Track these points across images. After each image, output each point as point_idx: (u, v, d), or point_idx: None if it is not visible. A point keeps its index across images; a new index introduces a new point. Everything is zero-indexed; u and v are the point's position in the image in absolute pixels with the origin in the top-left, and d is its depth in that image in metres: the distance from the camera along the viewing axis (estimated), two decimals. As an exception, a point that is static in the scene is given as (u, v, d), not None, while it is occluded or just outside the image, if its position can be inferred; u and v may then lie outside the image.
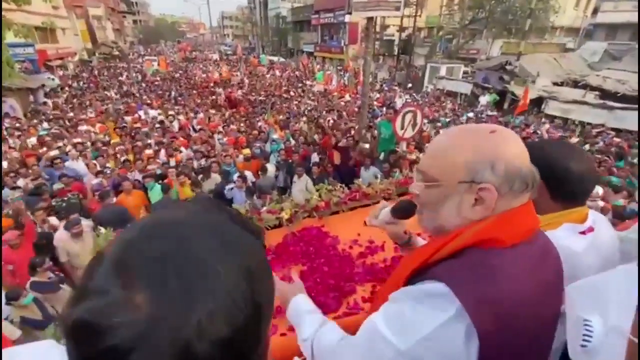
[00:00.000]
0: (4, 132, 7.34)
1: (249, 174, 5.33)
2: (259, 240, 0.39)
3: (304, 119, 9.82)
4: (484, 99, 14.60)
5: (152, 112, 10.13)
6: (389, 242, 1.67)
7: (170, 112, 10.07)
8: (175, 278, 0.28)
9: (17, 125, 8.50)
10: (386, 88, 17.83)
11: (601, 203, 4.05)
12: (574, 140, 8.95)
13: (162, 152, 6.46)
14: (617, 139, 8.83)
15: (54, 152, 6.10)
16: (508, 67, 15.00)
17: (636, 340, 0.47)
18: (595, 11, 23.47)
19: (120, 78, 18.19)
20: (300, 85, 16.99)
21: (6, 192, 4.44)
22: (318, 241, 1.89)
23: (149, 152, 6.39)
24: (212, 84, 15.90)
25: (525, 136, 8.56)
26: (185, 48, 34.35)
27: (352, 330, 0.74)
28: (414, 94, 16.73)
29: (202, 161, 6.14)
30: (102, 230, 1.90)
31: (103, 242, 1.84)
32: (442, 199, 0.64)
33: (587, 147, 7.94)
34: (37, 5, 15.78)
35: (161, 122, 9.03)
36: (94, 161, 5.73)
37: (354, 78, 15.39)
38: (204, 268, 0.30)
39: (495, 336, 0.53)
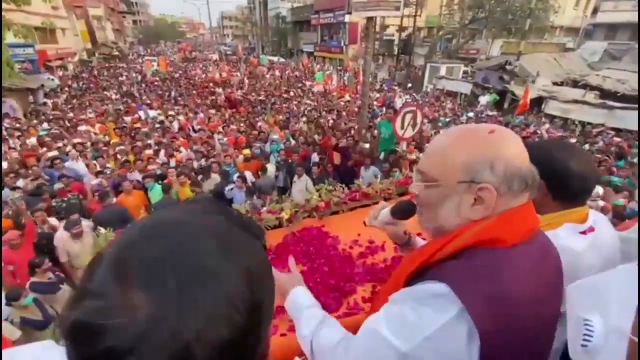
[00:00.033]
0: (4, 133, 7.33)
1: (248, 174, 5.33)
2: (259, 240, 0.39)
3: (304, 119, 9.82)
4: (484, 99, 14.60)
5: (152, 113, 10.12)
6: (389, 242, 1.67)
7: (170, 113, 10.07)
8: (174, 279, 0.28)
9: (17, 125, 8.49)
10: (386, 88, 17.84)
11: (601, 203, 4.05)
12: (574, 140, 8.95)
13: (162, 152, 6.46)
14: (617, 139, 8.84)
15: (53, 153, 6.10)
16: (508, 67, 15.01)
17: (637, 340, 0.47)
18: (595, 11, 23.51)
19: (120, 78, 18.20)
20: (300, 85, 16.99)
21: (6, 192, 4.44)
22: (318, 241, 1.88)
23: (148, 152, 6.39)
24: (212, 84, 15.90)
25: (525, 136, 8.57)
26: (185, 48, 34.37)
27: (352, 330, 0.74)
28: (414, 94, 16.74)
29: (202, 161, 6.14)
30: (102, 230, 1.90)
31: (103, 242, 1.84)
32: (442, 199, 0.64)
33: (587, 146, 7.95)
34: (36, 5, 15.78)
35: (161, 122, 9.03)
36: (94, 161, 5.73)
37: (354, 78, 15.42)
38: (202, 269, 0.30)
39: (497, 336, 0.53)
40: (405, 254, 1.01)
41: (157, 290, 0.28)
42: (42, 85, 13.33)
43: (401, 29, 21.24)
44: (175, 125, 9.07)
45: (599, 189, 4.24)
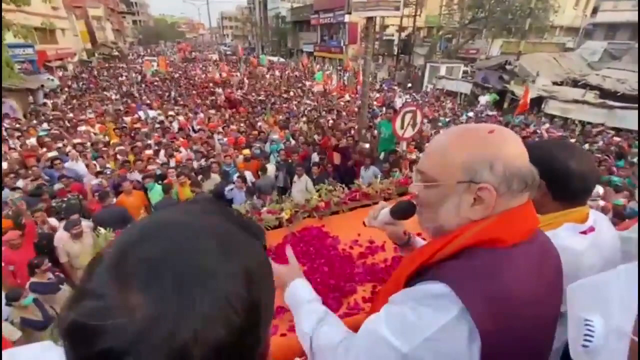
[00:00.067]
0: (4, 133, 7.33)
1: (248, 174, 5.33)
2: (259, 241, 0.39)
3: (304, 119, 9.82)
4: (484, 99, 14.60)
5: (152, 113, 10.13)
6: (389, 242, 1.66)
7: (170, 113, 10.07)
8: (172, 280, 0.28)
9: (17, 126, 8.49)
10: (386, 88, 17.83)
11: (602, 202, 4.05)
12: (574, 139, 8.95)
13: (162, 152, 6.46)
14: (616, 139, 8.84)
15: (53, 153, 6.10)
16: (508, 67, 15.00)
17: (637, 340, 0.47)
18: (595, 11, 23.54)
19: (119, 78, 18.20)
20: (300, 85, 16.99)
21: (6, 192, 4.45)
22: (318, 241, 1.88)
23: (148, 152, 6.39)
24: (211, 85, 15.90)
25: (525, 136, 8.58)
26: (185, 48, 34.41)
27: (352, 330, 0.73)
28: (414, 94, 16.74)
29: (202, 161, 6.14)
30: (102, 231, 1.90)
31: (103, 242, 1.84)
32: (442, 199, 0.64)
33: (587, 146, 7.95)
34: (36, 6, 15.80)
35: (161, 122, 9.04)
36: (94, 162, 5.73)
37: (354, 78, 15.42)
38: (201, 270, 0.30)
39: (497, 336, 0.53)
40: (405, 254, 1.01)
41: (155, 290, 0.27)
42: (42, 86, 13.33)
43: (401, 29, 21.24)
44: (175, 125, 9.07)
45: (599, 189, 4.24)
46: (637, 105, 9.51)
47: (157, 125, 8.64)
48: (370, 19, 7.65)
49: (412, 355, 0.54)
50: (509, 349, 0.56)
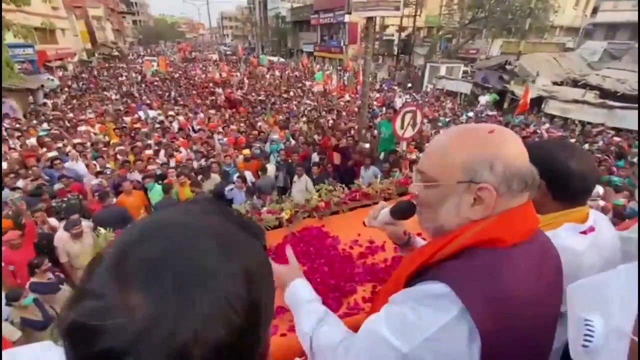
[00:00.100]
0: (4, 133, 7.33)
1: (248, 174, 5.34)
2: (259, 241, 0.39)
3: (304, 119, 9.83)
4: (484, 99, 14.60)
5: (152, 113, 10.13)
6: (389, 242, 1.66)
7: (170, 113, 10.07)
8: (172, 280, 0.28)
9: (17, 126, 8.49)
10: (386, 88, 17.83)
11: (602, 202, 4.05)
12: (574, 139, 8.95)
13: (162, 152, 6.46)
14: (616, 139, 8.84)
15: (53, 153, 6.10)
16: (508, 67, 15.01)
17: (637, 340, 0.47)
18: (595, 10, 23.54)
19: (119, 78, 18.19)
20: (300, 85, 16.99)
21: (6, 192, 4.45)
22: (318, 241, 1.88)
23: (148, 152, 6.39)
24: (211, 85, 15.90)
25: (525, 135, 8.58)
26: (185, 48, 34.41)
27: (352, 330, 0.73)
28: (414, 94, 16.74)
29: (202, 161, 6.14)
30: (102, 231, 1.90)
31: (103, 242, 1.84)
32: (442, 199, 0.64)
33: (586, 146, 7.95)
34: (36, 6, 15.80)
35: (161, 122, 9.04)
36: (94, 162, 5.73)
37: (354, 78, 15.42)
38: (201, 270, 0.30)
39: (497, 336, 0.53)
40: (405, 254, 1.01)
41: (155, 290, 0.27)
42: (42, 86, 13.33)
43: (401, 29, 21.24)
44: (175, 125, 9.07)
45: (599, 189, 4.24)
46: (637, 105, 9.51)
47: (157, 125, 8.64)
48: (370, 19, 7.65)
49: (412, 355, 0.54)
50: (509, 349, 0.56)
